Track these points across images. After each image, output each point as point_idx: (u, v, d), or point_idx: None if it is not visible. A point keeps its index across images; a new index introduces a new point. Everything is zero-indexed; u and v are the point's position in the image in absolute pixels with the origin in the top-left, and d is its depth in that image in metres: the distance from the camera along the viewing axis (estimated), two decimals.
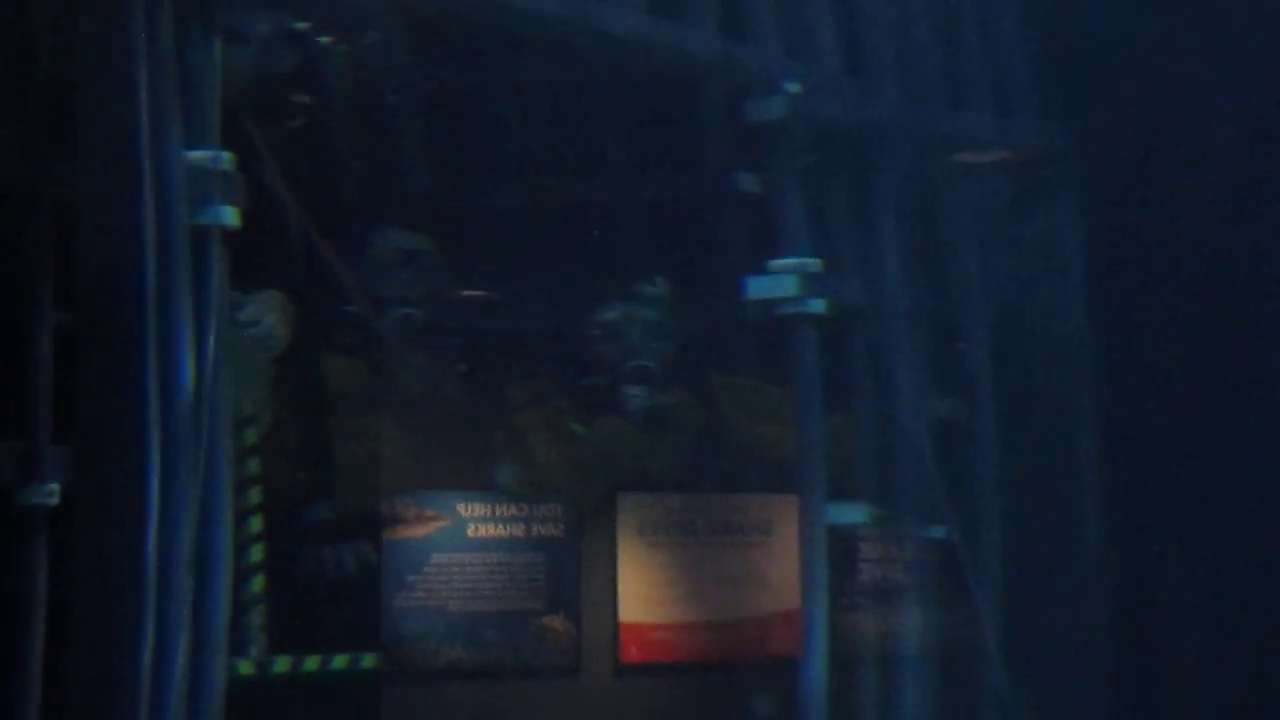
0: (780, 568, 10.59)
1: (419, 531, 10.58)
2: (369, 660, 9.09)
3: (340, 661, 8.94)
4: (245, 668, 7.88)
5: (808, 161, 8.92)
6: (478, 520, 10.67)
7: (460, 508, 10.58)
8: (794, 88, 8.79)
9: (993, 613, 9.27)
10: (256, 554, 8.25)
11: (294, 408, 8.79)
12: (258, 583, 8.23)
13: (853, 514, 9.10)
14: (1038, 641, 9.58)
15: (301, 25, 7.26)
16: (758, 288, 8.87)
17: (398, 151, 8.82)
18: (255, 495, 8.31)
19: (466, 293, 9.85)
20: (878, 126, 9.12)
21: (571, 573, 10.85)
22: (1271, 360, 9.47)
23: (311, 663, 8.69)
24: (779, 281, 8.81)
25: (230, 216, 6.62)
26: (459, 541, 10.55)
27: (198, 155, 6.49)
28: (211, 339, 6.53)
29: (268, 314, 7.75)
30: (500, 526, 10.73)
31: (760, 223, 9.06)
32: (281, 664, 8.40)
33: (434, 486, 10.45)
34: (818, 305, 8.81)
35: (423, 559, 10.48)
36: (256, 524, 8.29)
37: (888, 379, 9.09)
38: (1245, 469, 9.76)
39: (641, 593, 11.06)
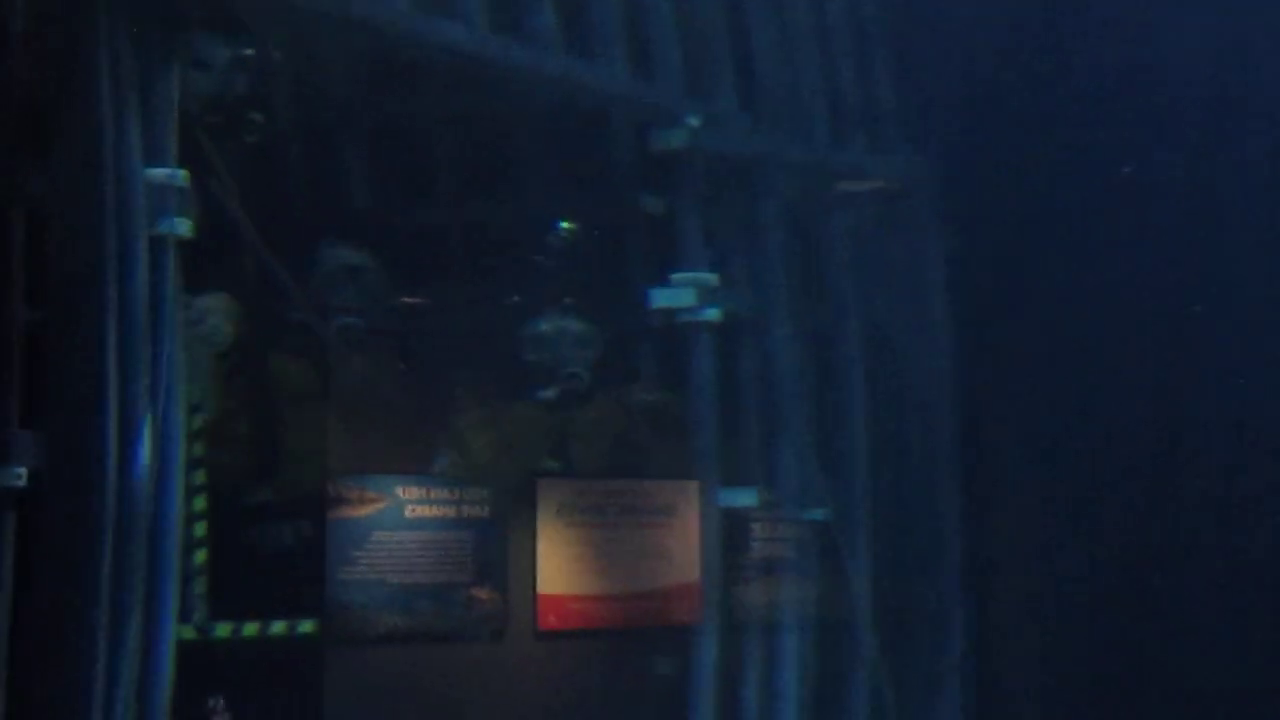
0: (681, 545, 10.59)
1: (361, 511, 10.48)
2: (307, 626, 8.94)
3: (279, 627, 8.81)
4: (188, 633, 7.73)
5: (705, 187, 8.93)
6: (414, 502, 10.61)
7: (399, 490, 10.48)
8: (694, 121, 8.80)
9: (863, 585, 9.30)
10: (200, 529, 8.12)
11: (243, 399, 8.67)
12: (201, 555, 8.10)
13: (743, 497, 9.11)
14: (900, 610, 9.64)
15: (256, 52, 7.15)
16: (660, 298, 8.88)
17: (340, 171, 8.73)
18: (200, 476, 8.18)
19: (407, 299, 9.82)
20: (766, 157, 9.15)
21: (497, 549, 10.79)
22: (1107, 359, 9.55)
23: (250, 629, 8.55)
24: (679, 293, 8.83)
25: (184, 227, 6.53)
26: (397, 521, 10.45)
27: (156, 172, 6.42)
28: (167, 334, 6.44)
29: (214, 313, 7.63)
30: (434, 508, 10.68)
31: (663, 241, 9.08)
32: (222, 630, 8.25)
33: (376, 471, 10.49)
34: (713, 314, 8.85)
35: (364, 536, 10.38)
36: (200, 502, 8.15)
37: (773, 379, 9.10)
38: (1082, 464, 9.86)
39: (558, 567, 11.03)
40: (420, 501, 10.74)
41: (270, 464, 9.08)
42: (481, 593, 10.84)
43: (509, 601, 10.90)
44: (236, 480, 8.60)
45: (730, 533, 9.41)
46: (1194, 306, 9.46)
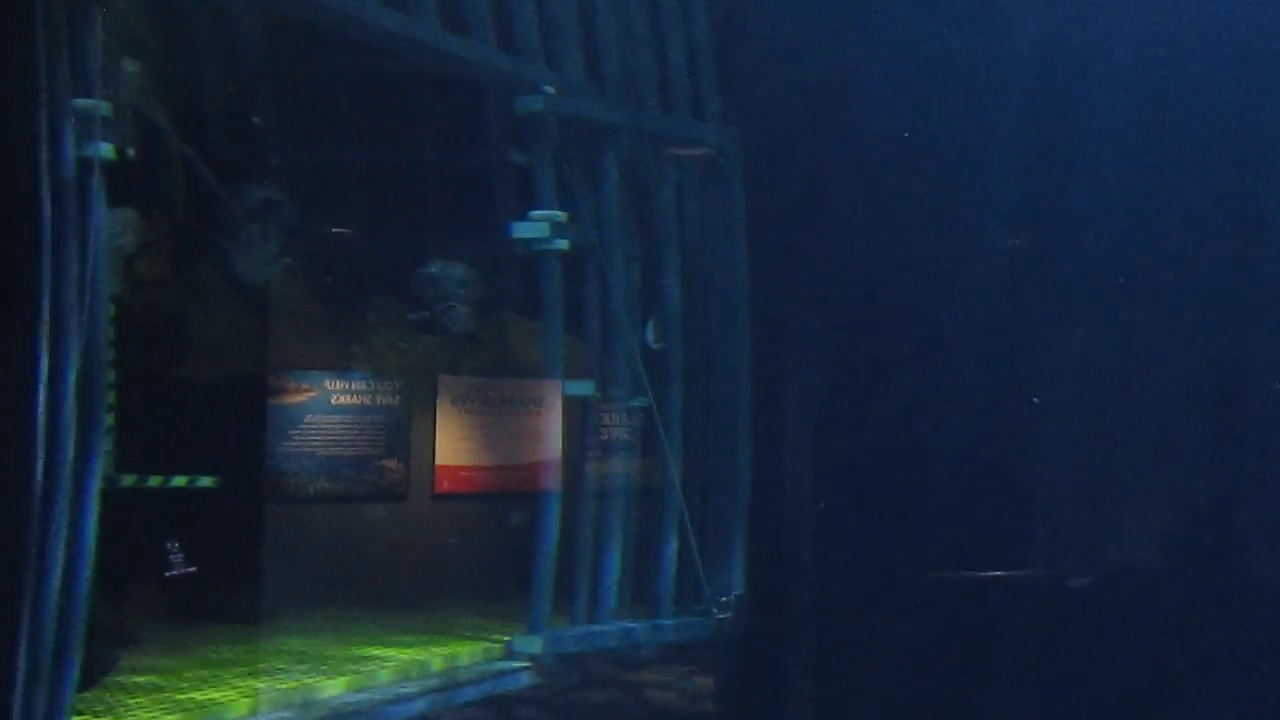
0: (545, 429, 10.46)
1: (297, 399, 10.34)
2: (206, 481, 8.54)
3: (180, 481, 8.40)
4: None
5: (558, 143, 8.61)
6: (338, 392, 10.49)
7: (326, 383, 10.36)
8: (550, 89, 8.52)
9: (676, 461, 9.14)
10: (111, 397, 7.64)
11: (152, 297, 8.23)
12: (110, 419, 7.64)
13: (583, 388, 8.87)
14: (706, 482, 9.50)
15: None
16: (519, 230, 8.59)
17: (263, 120, 8.28)
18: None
19: (335, 230, 9.54)
20: (607, 120, 8.84)
21: (403, 429, 10.72)
22: (878, 283, 9.38)
23: (154, 480, 8.14)
24: (534, 227, 8.55)
25: (109, 151, 6.06)
26: (325, 407, 10.33)
27: (83, 102, 5.92)
28: (93, 242, 5.96)
29: (125, 226, 7.16)
30: (354, 397, 10.59)
31: (525, 186, 8.77)
32: (128, 480, 7.82)
33: (309, 368, 10.16)
34: (561, 244, 8.59)
35: (299, 418, 10.24)
36: (110, 375, 7.69)
37: (608, 297, 8.86)
38: (854, 359, 9.70)
39: (452, 444, 10.96)
40: (343, 392, 10.53)
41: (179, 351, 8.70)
42: (390, 464, 10.72)
43: (411, 470, 10.74)
44: (149, 359, 8.19)
45: (578, 419, 9.18)
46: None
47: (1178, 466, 8.95)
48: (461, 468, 11.12)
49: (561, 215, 8.55)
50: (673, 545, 9.13)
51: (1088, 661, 8.77)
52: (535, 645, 8.38)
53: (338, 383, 10.51)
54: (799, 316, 9.70)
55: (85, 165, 5.93)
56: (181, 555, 9.09)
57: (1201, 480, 8.88)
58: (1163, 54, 8.57)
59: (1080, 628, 8.92)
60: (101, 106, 5.97)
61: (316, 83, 8.45)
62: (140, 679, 7.41)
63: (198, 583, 9.02)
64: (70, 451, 5.84)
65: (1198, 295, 8.68)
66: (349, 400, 10.56)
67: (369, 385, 10.64)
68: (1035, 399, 8.94)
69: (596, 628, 8.65)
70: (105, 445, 6.89)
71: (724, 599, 9.11)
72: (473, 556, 10.83)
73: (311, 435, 10.38)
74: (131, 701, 6.88)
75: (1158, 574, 9.04)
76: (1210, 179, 8.53)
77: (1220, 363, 8.80)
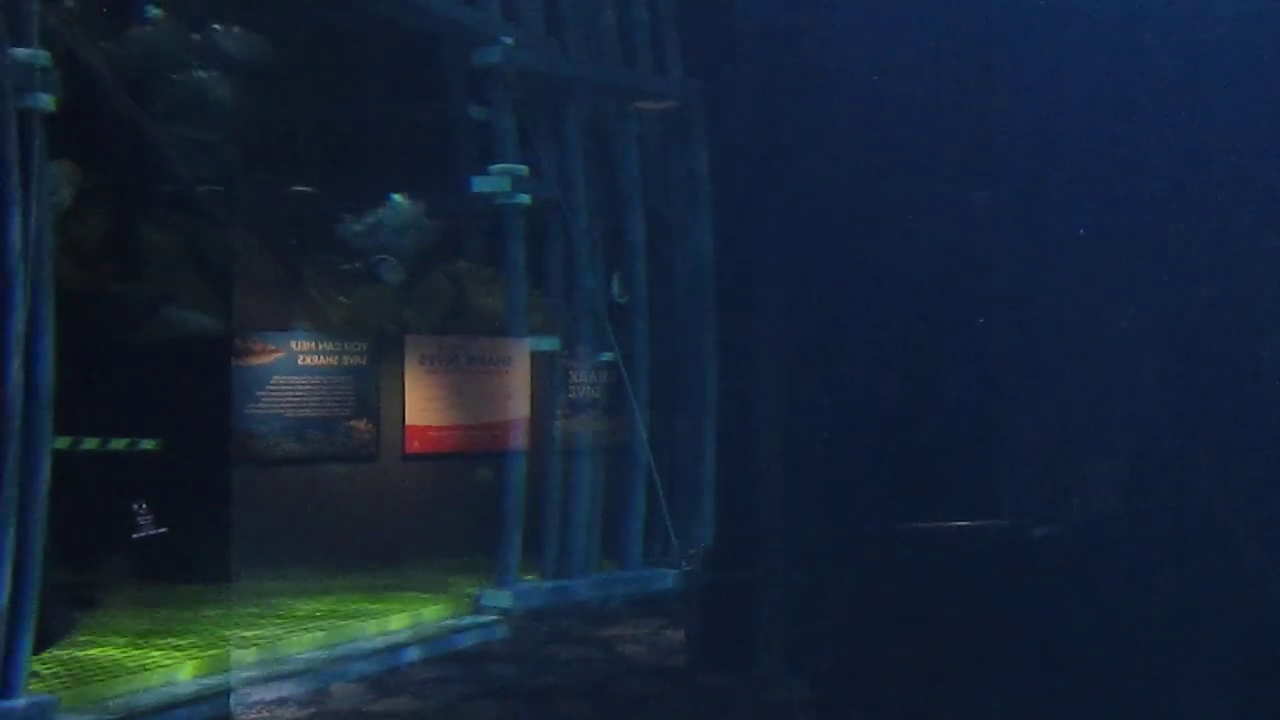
0: (513, 388, 10.35)
1: (263, 360, 10.19)
2: (149, 444, 8.39)
3: (119, 444, 8.25)
4: (62, 443, 7.06)
5: (518, 95, 8.42)
6: (305, 353, 10.34)
7: (292, 343, 10.20)
8: (508, 41, 8.32)
9: (643, 416, 9.05)
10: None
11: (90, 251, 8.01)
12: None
13: (548, 344, 8.75)
14: (675, 439, 9.42)
15: None
16: (480, 184, 8.43)
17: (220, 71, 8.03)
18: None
19: (297, 188, 9.32)
20: (569, 73, 8.66)
21: (372, 390, 10.59)
22: (839, 237, 9.28)
23: (91, 442, 7.98)
24: (495, 180, 8.38)
25: (48, 103, 5.84)
26: (292, 367, 10.19)
27: (21, 52, 5.70)
28: (34, 191, 5.77)
29: (61, 180, 6.94)
30: (321, 357, 10.44)
31: (486, 140, 8.59)
32: (61, 442, 7.67)
33: (275, 329, 9.96)
34: (523, 199, 8.42)
35: (266, 379, 10.10)
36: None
37: (572, 252, 8.71)
38: (816, 316, 9.61)
39: (421, 405, 10.84)
40: (310, 353, 10.37)
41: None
42: (359, 424, 10.58)
43: (381, 431, 10.62)
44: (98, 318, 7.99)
45: (545, 376, 9.06)
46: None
47: (1138, 417, 8.93)
48: (433, 427, 11.02)
49: (522, 169, 8.39)
50: (640, 499, 9.06)
51: (1051, 610, 8.77)
52: (504, 599, 8.32)
53: (304, 343, 10.38)
54: (765, 270, 9.59)
55: (25, 117, 5.74)
56: (150, 516, 8.97)
57: (1159, 430, 8.87)
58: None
59: (1044, 577, 8.91)
60: (40, 56, 5.76)
61: (272, 34, 8.21)
62: (102, 638, 7.32)
63: (166, 544, 8.91)
64: (18, 410, 5.69)
65: (1157, 248, 8.63)
66: (316, 360, 10.43)
67: (336, 344, 10.51)
68: (980, 320, 8.85)
69: (565, 581, 8.59)
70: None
71: (692, 552, 9.06)
72: (445, 516, 10.75)
73: (278, 396, 10.26)
74: (89, 660, 6.78)
75: (1119, 524, 9.04)
76: (1167, 128, 8.46)
77: (1178, 316, 8.77)
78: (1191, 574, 8.49)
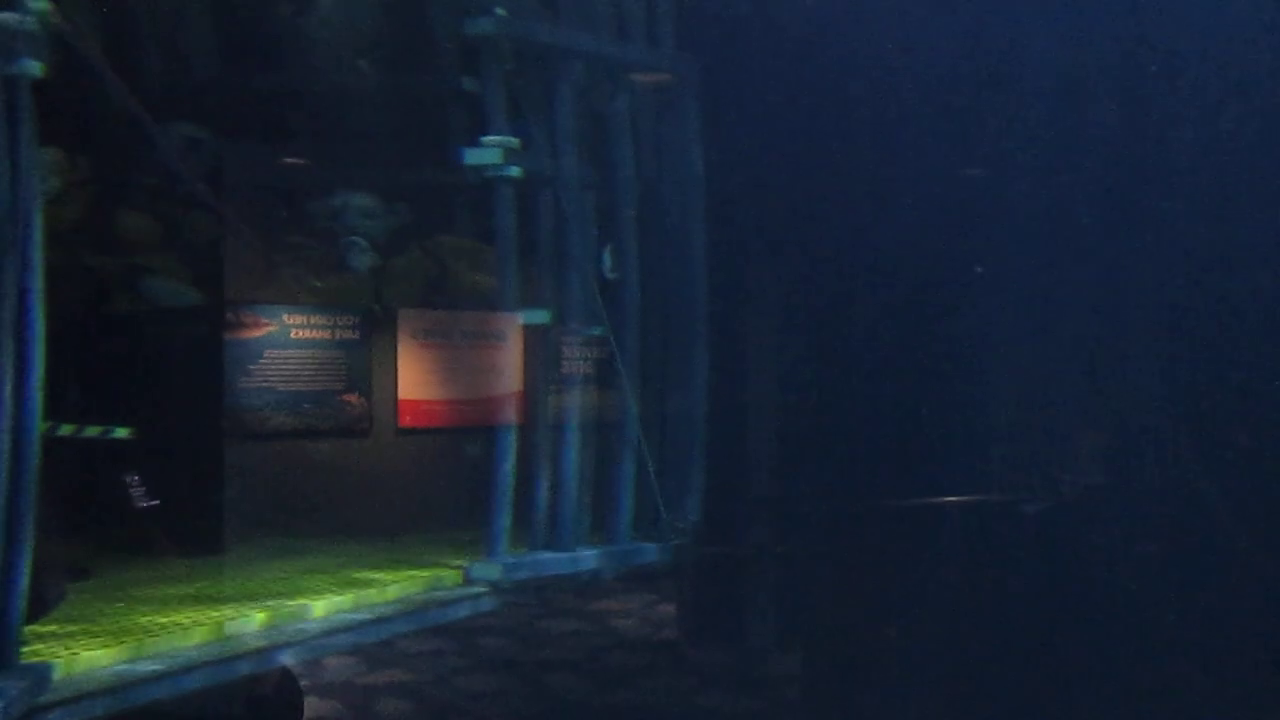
0: (507, 363, 10.31)
1: (255, 333, 10.12)
2: (121, 431, 8.31)
3: (92, 430, 8.18)
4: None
5: (512, 67, 8.31)
6: (297, 326, 10.27)
7: (285, 317, 10.12)
8: (500, 12, 8.17)
9: (633, 390, 8.99)
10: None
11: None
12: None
13: (538, 317, 8.67)
14: (664, 410, 9.37)
15: None
16: (471, 156, 8.26)
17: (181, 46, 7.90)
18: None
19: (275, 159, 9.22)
20: (561, 44, 8.54)
21: (364, 364, 10.53)
22: (828, 212, 9.24)
23: (66, 429, 7.89)
24: (486, 152, 8.22)
25: (35, 69, 5.68)
26: (284, 341, 10.12)
27: (6, 15, 5.57)
28: (24, 161, 5.65)
29: (49, 170, 6.82)
30: (314, 330, 10.39)
31: (477, 113, 8.48)
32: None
33: (267, 302, 9.88)
34: (514, 171, 8.28)
35: (258, 353, 10.04)
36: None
37: (564, 225, 8.63)
38: (810, 299, 9.61)
39: (414, 379, 10.80)
40: (302, 326, 10.30)
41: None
42: (352, 398, 10.52)
43: (374, 405, 10.56)
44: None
45: (537, 350, 8.99)
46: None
47: (1120, 392, 8.92)
48: (426, 401, 10.97)
49: (514, 141, 8.28)
50: (630, 472, 9.00)
51: (1040, 585, 8.79)
52: (493, 571, 8.27)
53: (296, 316, 10.31)
54: (757, 245, 9.54)
55: (11, 83, 5.62)
56: (143, 489, 8.92)
57: (1143, 406, 8.87)
58: None
59: (1032, 552, 8.93)
60: (27, 20, 5.64)
61: (255, 8, 8.10)
62: (93, 610, 7.27)
63: (160, 518, 8.86)
64: (8, 388, 5.62)
65: (1137, 220, 8.61)
66: (308, 334, 10.37)
67: (328, 318, 10.44)
68: (979, 269, 8.83)
69: (554, 554, 8.55)
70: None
71: (681, 525, 9.02)
72: (438, 491, 10.72)
73: (270, 370, 10.19)
74: (80, 630, 6.73)
75: (1102, 499, 9.05)
76: (1137, 99, 8.44)
77: (1168, 295, 8.76)
78: (1176, 549, 8.51)
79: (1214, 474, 8.50)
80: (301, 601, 7.52)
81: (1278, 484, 8.30)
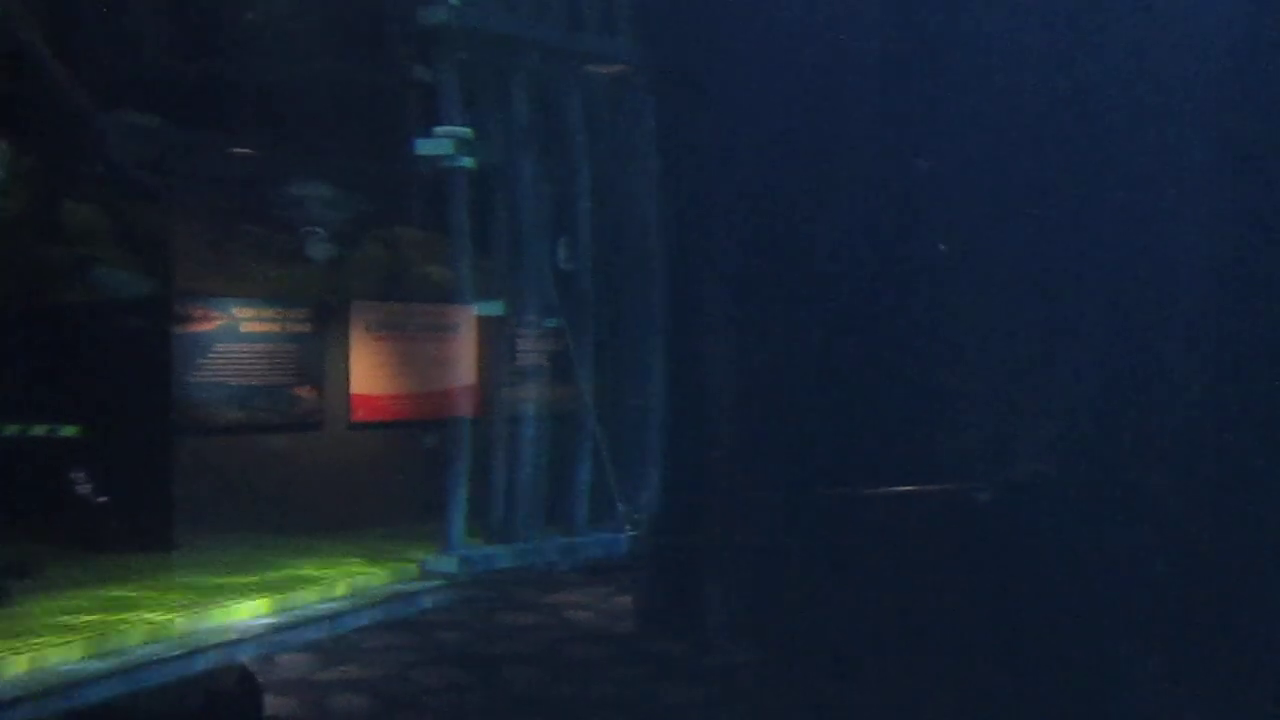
0: (461, 355, 10.23)
1: (205, 327, 9.98)
2: (69, 430, 8.20)
3: (39, 430, 8.06)
4: None
5: (465, 57, 8.25)
6: (247, 319, 10.12)
7: (235, 310, 9.98)
8: (455, 1, 8.12)
9: (589, 382, 8.97)
10: None
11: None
12: None
13: (493, 308, 8.63)
14: (621, 402, 9.35)
15: None
16: (424, 146, 8.21)
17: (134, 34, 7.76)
18: None
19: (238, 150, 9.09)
20: (515, 35, 8.50)
21: (317, 357, 10.41)
22: (783, 197, 9.22)
23: (10, 429, 7.76)
24: (439, 143, 8.18)
25: None
26: (234, 334, 9.97)
27: None
28: None
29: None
30: (264, 324, 10.24)
31: (430, 104, 8.42)
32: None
33: (218, 294, 9.73)
34: (468, 162, 8.24)
35: (208, 347, 9.89)
36: None
37: (518, 216, 8.58)
38: (764, 287, 9.57)
39: (367, 372, 10.68)
40: (252, 319, 10.16)
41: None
42: (304, 392, 10.39)
43: (326, 399, 10.45)
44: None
45: (492, 342, 8.94)
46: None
47: (1079, 380, 9.01)
48: (379, 395, 10.86)
49: (467, 131, 8.22)
50: (587, 465, 8.98)
51: (997, 572, 8.87)
52: (450, 564, 8.22)
53: (246, 310, 10.18)
54: (713, 235, 9.53)
55: None
56: (89, 485, 8.79)
57: (1097, 392, 8.97)
58: None
59: (989, 539, 9.00)
60: None
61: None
62: (43, 607, 7.13)
63: (110, 514, 8.72)
64: None
65: (1097, 208, 8.69)
66: (259, 327, 10.24)
67: (279, 311, 10.32)
68: (941, 246, 8.87)
69: (511, 547, 8.51)
70: None
71: (638, 517, 9.02)
72: (391, 487, 10.62)
73: (220, 364, 10.06)
74: (35, 627, 6.60)
75: (1059, 486, 9.14)
76: (1108, 78, 8.51)
77: (1122, 280, 8.85)
78: (1127, 534, 8.62)
79: (1151, 459, 8.62)
80: (247, 599, 7.42)
81: (1212, 467, 8.45)
